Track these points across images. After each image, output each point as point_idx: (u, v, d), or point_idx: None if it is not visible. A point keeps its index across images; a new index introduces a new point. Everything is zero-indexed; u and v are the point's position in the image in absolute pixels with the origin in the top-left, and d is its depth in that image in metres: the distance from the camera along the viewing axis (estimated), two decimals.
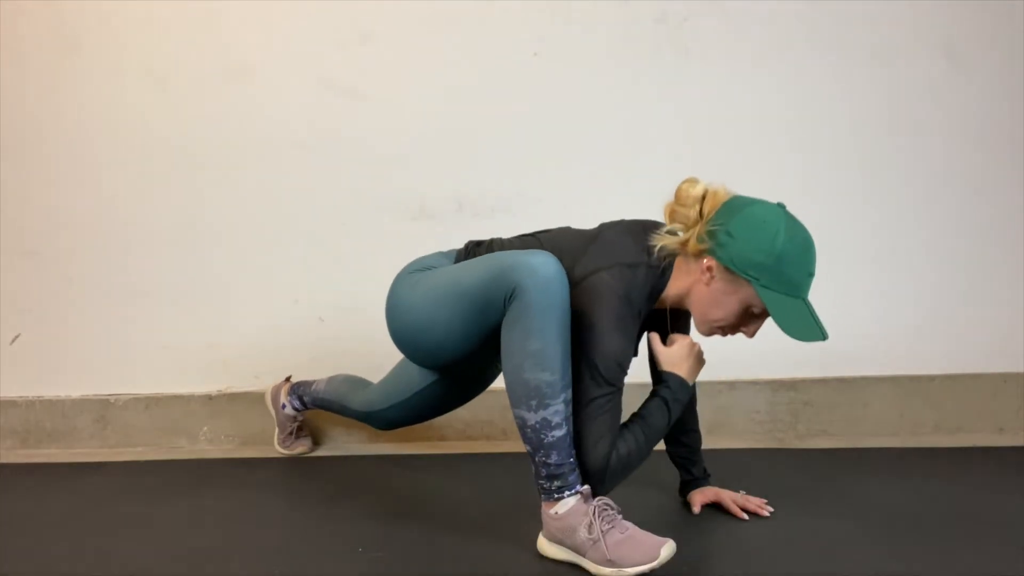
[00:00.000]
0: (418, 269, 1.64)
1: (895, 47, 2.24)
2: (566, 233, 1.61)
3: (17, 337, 2.36)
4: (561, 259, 1.47)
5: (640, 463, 1.50)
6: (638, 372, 2.20)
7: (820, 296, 2.28)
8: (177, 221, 2.31)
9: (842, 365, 2.28)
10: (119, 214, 2.32)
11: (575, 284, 1.47)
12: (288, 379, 2.19)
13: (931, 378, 2.27)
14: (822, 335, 1.45)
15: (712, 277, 1.47)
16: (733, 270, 1.44)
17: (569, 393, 1.42)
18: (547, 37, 2.26)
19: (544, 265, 1.39)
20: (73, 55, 2.28)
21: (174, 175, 2.31)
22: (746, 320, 1.51)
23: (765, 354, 2.28)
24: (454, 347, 1.55)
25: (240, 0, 2.26)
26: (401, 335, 1.64)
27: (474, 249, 1.65)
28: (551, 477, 1.43)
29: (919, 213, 2.27)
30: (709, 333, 1.56)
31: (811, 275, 1.47)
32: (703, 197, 1.48)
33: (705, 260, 1.47)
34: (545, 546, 1.48)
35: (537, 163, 2.27)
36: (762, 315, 1.50)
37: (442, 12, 2.25)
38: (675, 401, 1.54)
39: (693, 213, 1.48)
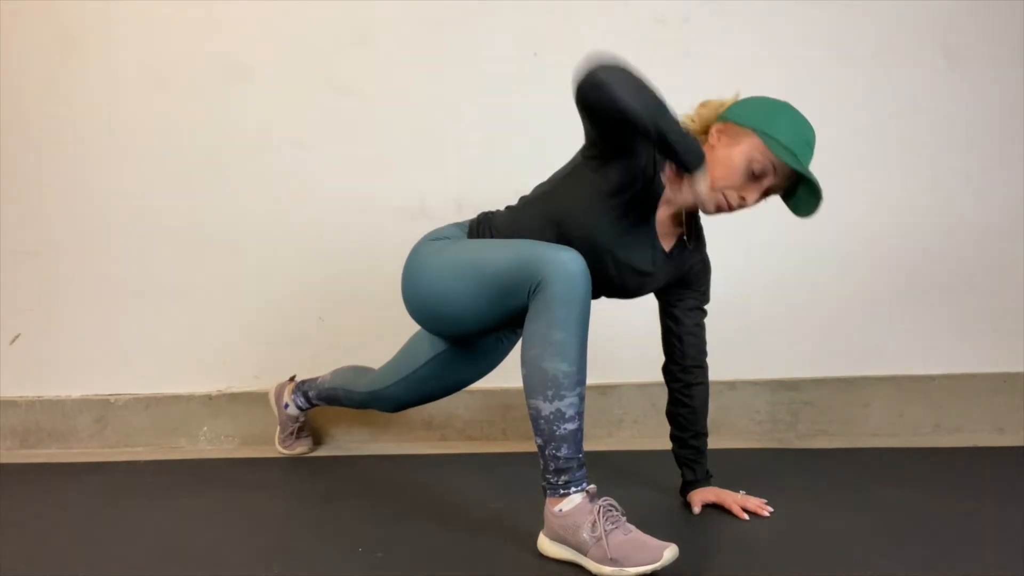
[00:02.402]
0: (438, 238, 1.69)
1: (895, 47, 2.24)
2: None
3: (17, 337, 2.36)
4: (568, 166, 1.63)
5: (634, 96, 1.40)
6: (637, 371, 2.22)
7: (821, 295, 2.29)
8: (177, 221, 2.31)
9: (842, 365, 2.28)
10: (119, 214, 2.32)
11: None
12: (292, 379, 2.19)
13: (931, 378, 2.27)
14: (810, 175, 1.50)
15: (719, 140, 1.55)
16: (738, 123, 1.53)
17: (584, 389, 1.45)
18: (547, 37, 2.26)
19: (572, 261, 1.43)
20: (72, 55, 2.29)
21: (173, 175, 2.31)
22: (748, 183, 1.53)
23: (765, 354, 2.28)
24: (468, 321, 1.58)
25: (240, 0, 2.26)
26: (417, 298, 1.65)
27: (484, 220, 1.71)
28: (559, 472, 1.44)
29: (918, 213, 2.27)
30: (716, 208, 1.55)
31: (810, 147, 1.54)
32: (719, 105, 1.60)
33: (714, 127, 1.57)
34: (546, 545, 1.48)
35: (537, 163, 2.27)
36: (762, 176, 1.53)
37: (442, 12, 2.25)
38: (676, 129, 1.43)
39: (708, 111, 1.60)
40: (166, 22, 2.27)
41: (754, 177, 1.53)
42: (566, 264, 1.42)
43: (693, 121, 1.61)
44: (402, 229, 2.27)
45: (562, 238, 1.57)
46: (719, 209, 1.55)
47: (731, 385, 2.26)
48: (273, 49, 2.27)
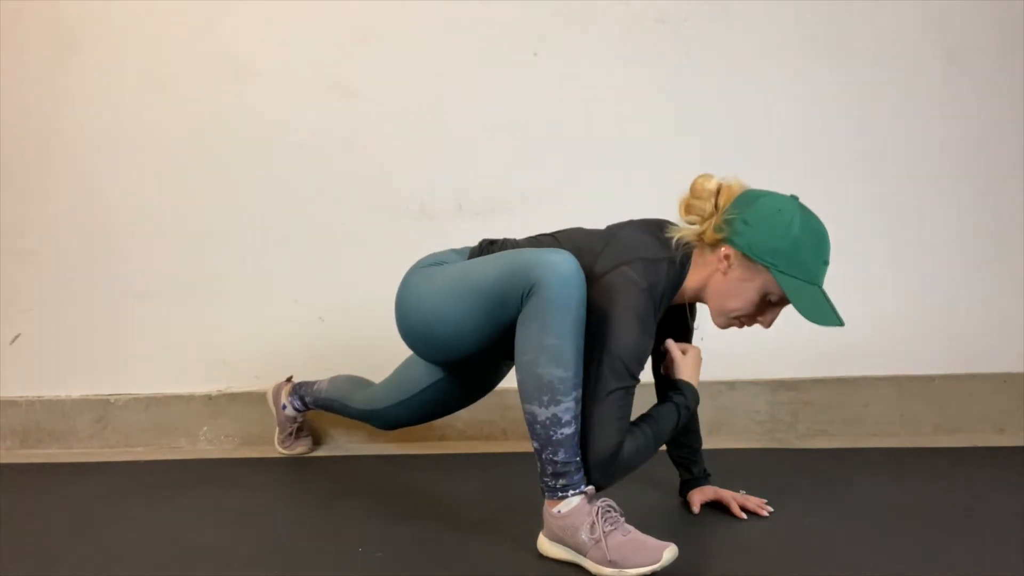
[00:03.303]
0: (432, 264, 1.65)
1: (895, 47, 2.24)
2: (580, 232, 1.62)
3: (17, 337, 2.36)
4: (579, 257, 1.48)
5: (642, 463, 1.51)
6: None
7: None
8: (177, 221, 2.31)
9: (842, 365, 2.28)
10: (119, 214, 2.32)
11: (596, 279, 1.48)
12: (289, 379, 2.19)
13: (931, 378, 2.27)
14: (839, 321, 1.46)
15: (729, 266, 1.49)
16: (750, 257, 1.46)
17: (580, 392, 1.43)
18: (547, 37, 2.26)
19: (563, 263, 1.41)
20: (73, 55, 2.29)
21: (174, 175, 2.31)
22: (763, 309, 1.52)
23: (765, 354, 2.28)
24: (466, 342, 1.55)
25: (240, 0, 2.26)
26: (413, 328, 1.63)
27: (488, 247, 1.66)
28: (556, 475, 1.43)
29: (919, 213, 2.27)
30: (726, 325, 1.56)
31: (826, 263, 1.50)
32: (718, 191, 1.52)
33: (723, 249, 1.49)
34: (546, 545, 1.48)
35: (537, 163, 2.27)
36: (779, 303, 1.52)
37: (442, 12, 2.25)
38: (686, 409, 1.56)
39: (708, 206, 1.51)
40: (166, 22, 2.27)
41: (770, 304, 1.52)
42: (557, 266, 1.40)
43: (693, 223, 1.53)
44: (402, 229, 2.28)
45: None
46: (730, 327, 1.56)
47: (731, 385, 2.26)
48: (273, 49, 2.27)
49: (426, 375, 1.79)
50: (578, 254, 1.49)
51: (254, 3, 2.26)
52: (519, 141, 2.26)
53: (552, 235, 1.64)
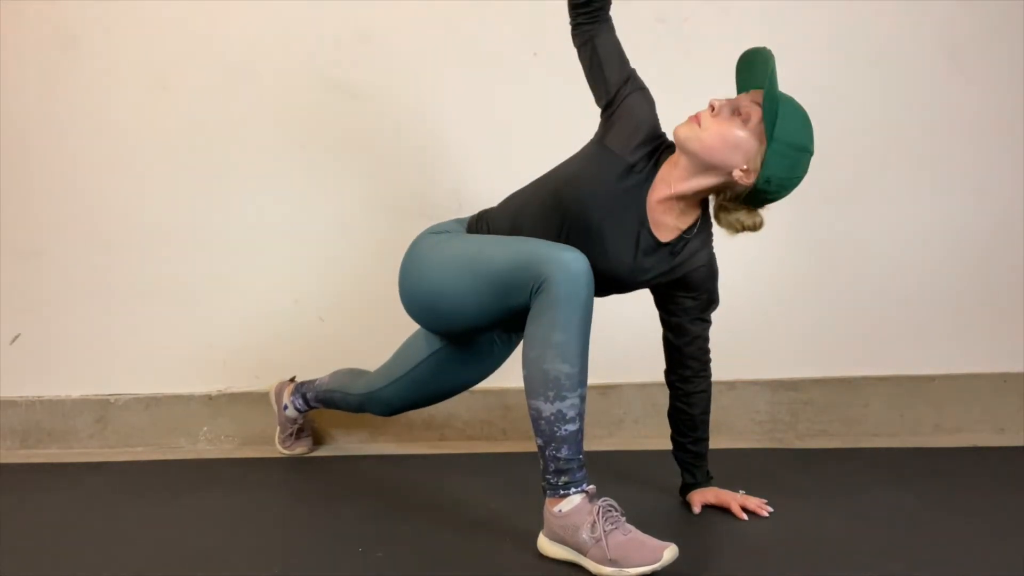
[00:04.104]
0: (438, 232, 1.69)
1: (895, 47, 2.24)
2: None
3: (17, 337, 2.36)
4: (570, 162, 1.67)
5: None
6: (637, 371, 2.22)
7: (821, 295, 2.29)
8: (177, 221, 2.31)
9: (842, 365, 2.28)
10: (119, 214, 2.31)
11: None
12: (292, 379, 2.19)
13: (931, 378, 2.27)
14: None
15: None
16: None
17: (585, 390, 1.45)
18: (547, 37, 2.26)
19: (575, 261, 1.43)
20: (72, 54, 2.28)
21: (173, 175, 2.30)
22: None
23: (765, 354, 2.28)
24: (466, 317, 1.58)
25: (240, 0, 2.26)
26: (415, 293, 1.65)
27: (483, 217, 1.72)
28: (559, 472, 1.44)
29: (918, 213, 2.27)
30: (686, 129, 1.58)
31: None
32: None
33: None
34: (546, 545, 1.48)
35: (537, 163, 2.27)
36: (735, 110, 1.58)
37: (441, 12, 2.25)
38: None
39: None
40: (166, 22, 2.27)
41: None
42: (569, 264, 1.42)
43: None
44: (402, 229, 2.27)
45: (556, 208, 1.59)
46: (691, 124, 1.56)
47: (731, 385, 2.26)
48: (273, 49, 2.27)
49: (424, 348, 1.80)
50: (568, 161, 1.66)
51: (254, 3, 2.26)
52: (519, 141, 2.26)
53: (534, 184, 1.72)
